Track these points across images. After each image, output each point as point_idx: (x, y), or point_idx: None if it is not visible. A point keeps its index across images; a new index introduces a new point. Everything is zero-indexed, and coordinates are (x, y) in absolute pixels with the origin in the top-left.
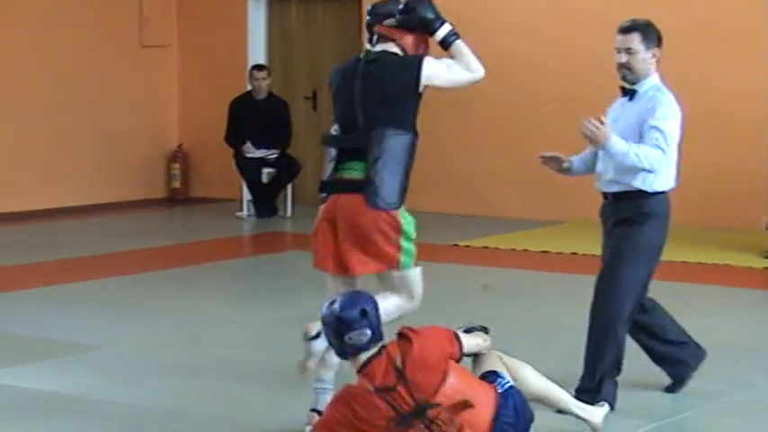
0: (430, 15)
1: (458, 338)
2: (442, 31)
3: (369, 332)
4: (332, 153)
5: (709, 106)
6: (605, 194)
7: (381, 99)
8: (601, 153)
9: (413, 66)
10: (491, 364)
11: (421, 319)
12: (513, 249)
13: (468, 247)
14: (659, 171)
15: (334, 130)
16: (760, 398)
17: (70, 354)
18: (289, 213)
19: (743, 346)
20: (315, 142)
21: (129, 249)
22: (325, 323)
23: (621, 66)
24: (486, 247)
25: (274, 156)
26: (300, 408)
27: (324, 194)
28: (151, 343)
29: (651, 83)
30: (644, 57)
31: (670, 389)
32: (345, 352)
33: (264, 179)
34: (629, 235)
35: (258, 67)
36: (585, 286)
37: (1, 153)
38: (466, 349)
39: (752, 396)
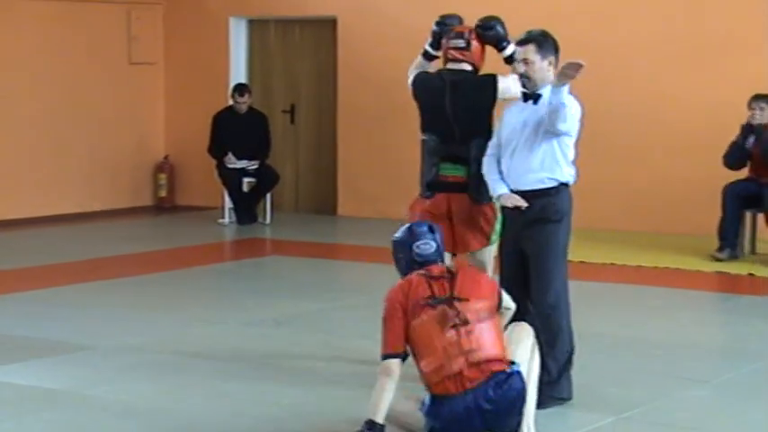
0: (503, 34)
1: (500, 293)
2: (509, 49)
3: (434, 245)
4: (432, 158)
5: (667, 121)
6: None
7: (471, 113)
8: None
9: (490, 84)
10: (521, 350)
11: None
12: None
13: None
14: (566, 130)
15: (431, 139)
16: (710, 393)
17: (61, 353)
18: (268, 220)
19: (694, 345)
20: (293, 153)
21: (117, 254)
22: (395, 243)
23: (520, 75)
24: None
25: (254, 166)
26: (283, 403)
27: (429, 193)
28: (139, 342)
29: None
30: (540, 66)
31: None
32: (412, 262)
33: (245, 188)
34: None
35: (240, 92)
36: None
37: None
38: (504, 304)
39: (703, 391)
